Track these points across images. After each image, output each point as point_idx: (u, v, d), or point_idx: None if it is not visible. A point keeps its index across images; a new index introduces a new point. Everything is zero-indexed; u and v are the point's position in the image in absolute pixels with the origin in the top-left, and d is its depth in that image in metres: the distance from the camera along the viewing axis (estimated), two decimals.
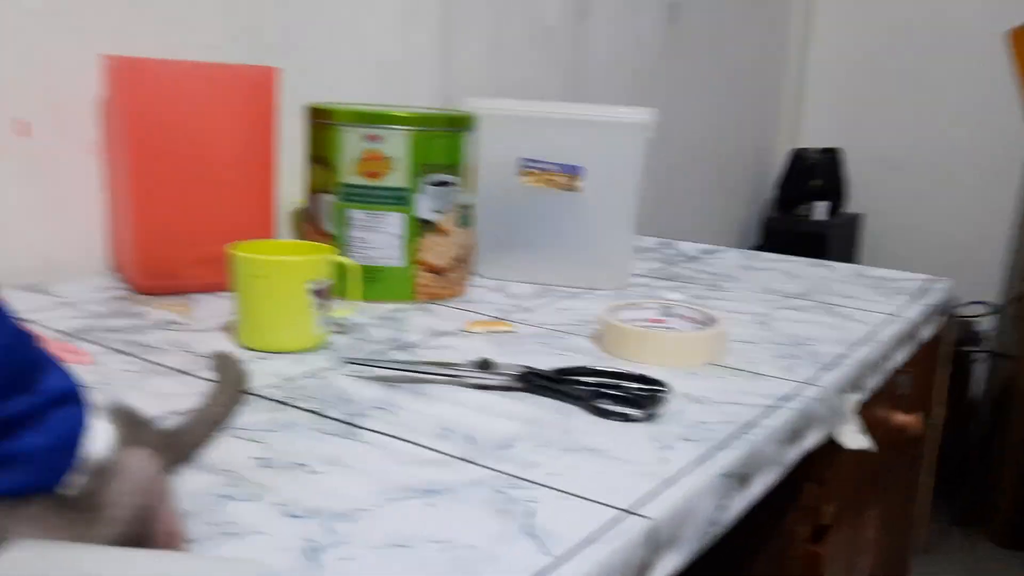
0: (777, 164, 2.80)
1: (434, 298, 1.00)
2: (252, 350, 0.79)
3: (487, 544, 0.48)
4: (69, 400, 0.38)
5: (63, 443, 0.37)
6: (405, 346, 0.83)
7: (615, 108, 1.08)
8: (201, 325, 0.86)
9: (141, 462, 0.41)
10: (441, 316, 0.95)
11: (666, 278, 1.20)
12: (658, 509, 0.53)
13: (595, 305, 1.02)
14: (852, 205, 2.76)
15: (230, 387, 0.54)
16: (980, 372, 2.64)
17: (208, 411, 0.50)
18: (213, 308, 0.92)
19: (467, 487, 0.55)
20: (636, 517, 0.52)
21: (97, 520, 0.38)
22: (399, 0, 1.39)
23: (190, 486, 0.50)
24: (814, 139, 2.82)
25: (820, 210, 2.60)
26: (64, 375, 0.39)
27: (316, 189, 0.99)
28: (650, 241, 1.45)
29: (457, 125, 0.99)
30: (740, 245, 2.65)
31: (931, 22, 2.66)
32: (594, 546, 0.48)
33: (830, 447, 0.82)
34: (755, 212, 2.79)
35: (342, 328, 0.86)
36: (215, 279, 0.98)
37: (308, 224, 1.01)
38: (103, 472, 0.38)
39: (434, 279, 1.00)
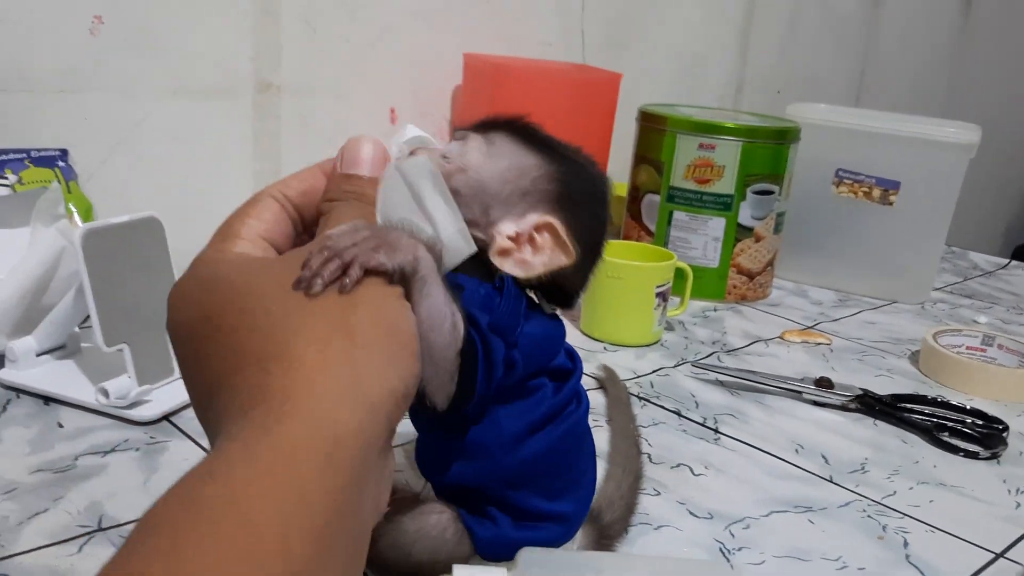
0: None
1: (742, 299, 1.06)
2: (596, 339, 0.88)
3: (875, 568, 0.54)
4: (563, 522, 0.47)
5: (524, 543, 0.45)
6: (730, 350, 0.90)
7: (941, 124, 1.08)
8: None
9: None
10: (753, 319, 1.00)
11: (966, 295, 1.19)
12: None
13: (901, 321, 1.04)
14: None
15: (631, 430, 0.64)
16: None
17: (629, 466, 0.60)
18: None
19: (838, 508, 0.61)
20: (1008, 562, 0.56)
21: None
22: None
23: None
24: None
25: None
26: (579, 507, 0.48)
27: (644, 188, 1.06)
28: None
29: (783, 137, 1.03)
30: (1006, 244, 2.52)
31: None
32: None
33: None
34: None
35: (670, 326, 0.94)
36: None
37: (630, 219, 1.09)
38: None
39: (744, 282, 1.05)
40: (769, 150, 1.02)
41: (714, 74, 1.52)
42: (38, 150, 0.80)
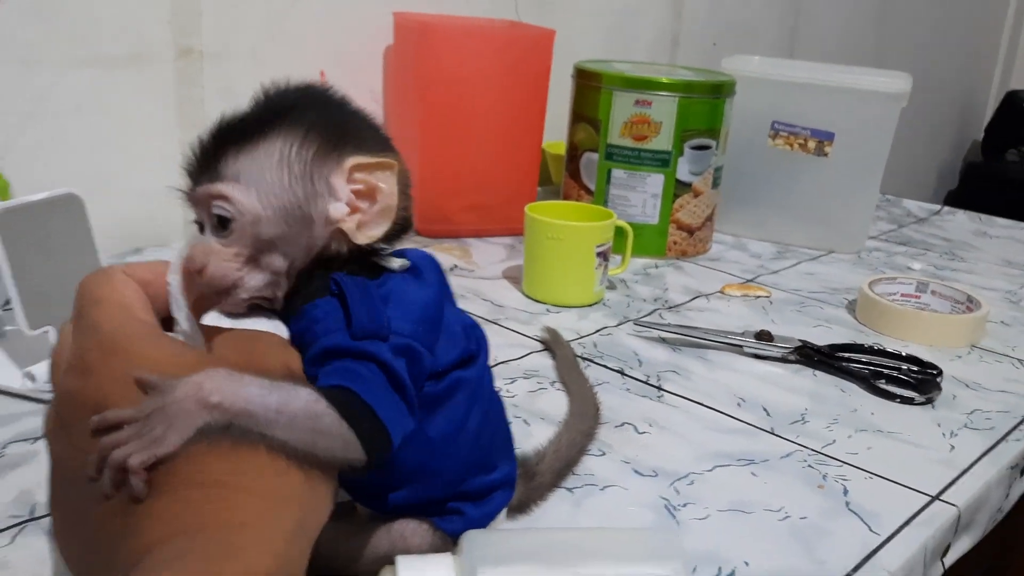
0: (987, 106, 2.67)
1: (683, 255, 1.07)
2: (538, 301, 0.88)
3: (819, 518, 0.55)
4: (507, 485, 0.47)
5: (490, 517, 0.46)
6: (672, 306, 0.90)
7: (872, 74, 1.09)
8: (485, 272, 0.96)
9: None
10: (694, 275, 1.01)
11: (900, 242, 1.22)
12: (960, 497, 0.58)
13: (838, 271, 1.06)
14: None
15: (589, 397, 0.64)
16: None
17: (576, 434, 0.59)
18: (487, 254, 1.02)
19: (779, 459, 0.62)
20: (944, 504, 0.57)
21: None
22: None
23: (542, 440, 0.59)
24: None
25: None
26: (512, 462, 0.48)
27: (582, 147, 1.05)
28: None
29: (719, 92, 1.03)
30: (938, 189, 2.57)
31: None
32: (911, 528, 0.55)
33: None
34: (958, 156, 2.69)
35: (611, 285, 0.94)
36: (483, 225, 1.08)
37: (569, 178, 1.08)
38: None
39: (685, 237, 1.06)
40: (705, 105, 1.02)
41: (648, 28, 1.51)
42: None
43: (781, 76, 1.10)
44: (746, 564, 0.50)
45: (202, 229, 0.40)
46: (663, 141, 1.01)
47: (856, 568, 0.50)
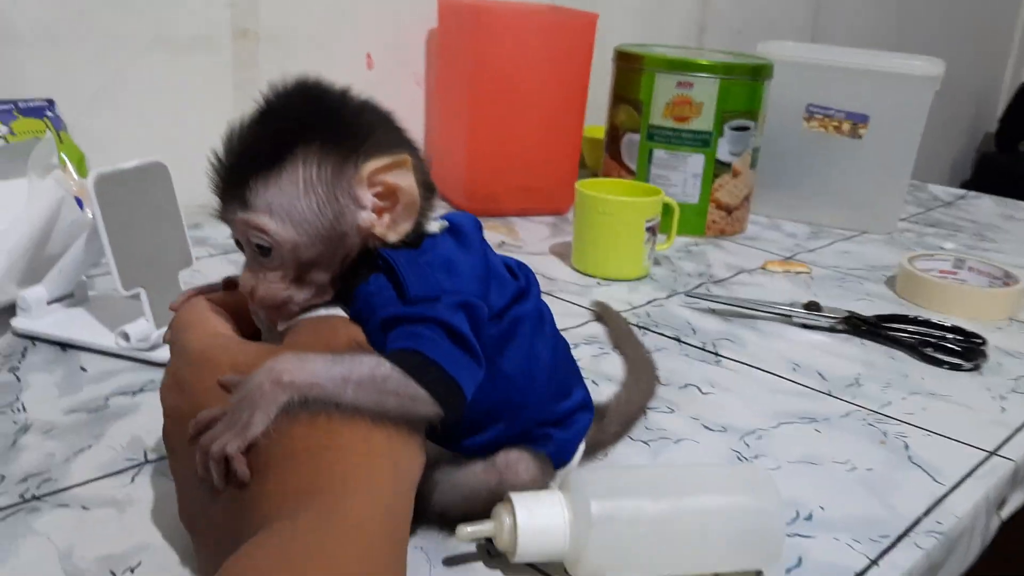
0: (1000, 99, 2.69)
1: (722, 234, 1.09)
2: (588, 275, 0.91)
3: (884, 470, 0.57)
4: (587, 408, 0.50)
5: (576, 438, 0.49)
6: (717, 281, 0.93)
7: (906, 59, 1.12)
8: (532, 248, 0.98)
9: None
10: (734, 252, 1.03)
11: (929, 224, 1.24)
12: (1016, 452, 0.61)
13: (873, 249, 1.09)
14: None
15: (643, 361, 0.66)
16: None
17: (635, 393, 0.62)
18: (531, 232, 1.04)
19: (839, 418, 0.64)
20: (1001, 459, 0.60)
21: None
22: None
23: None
24: None
25: None
26: (585, 388, 0.50)
27: (623, 128, 1.08)
28: None
29: (758, 74, 1.05)
30: (951, 180, 2.60)
31: None
32: (973, 480, 0.57)
33: None
34: (971, 147, 2.71)
35: (656, 261, 0.96)
36: (528, 205, 1.10)
37: (610, 158, 1.11)
38: None
39: (723, 216, 1.08)
40: (745, 87, 1.04)
41: (676, 15, 1.53)
42: (25, 100, 0.78)
43: (816, 60, 1.13)
44: (822, 509, 0.52)
45: (241, 247, 0.42)
46: (704, 122, 1.03)
47: (926, 513, 0.53)
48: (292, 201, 0.40)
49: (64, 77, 0.86)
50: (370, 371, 0.37)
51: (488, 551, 0.45)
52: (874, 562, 0.48)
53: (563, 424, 0.47)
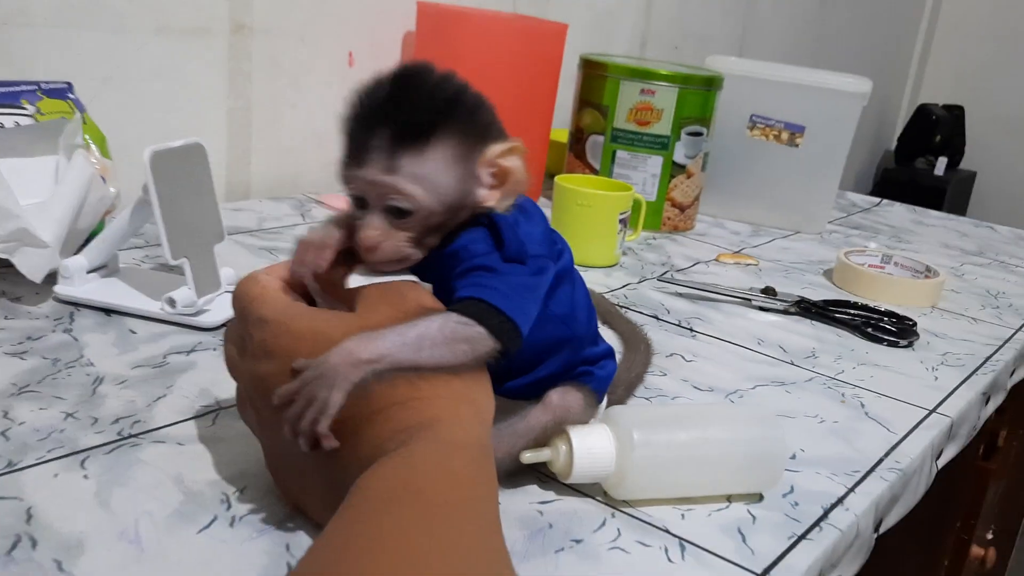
0: (899, 118, 2.90)
1: (675, 230, 1.19)
2: None
3: (847, 422, 0.67)
4: (612, 355, 0.57)
5: (609, 378, 0.57)
6: (679, 269, 1.03)
7: (839, 76, 1.24)
8: None
9: None
10: (688, 246, 1.14)
11: (853, 227, 1.37)
12: (950, 411, 0.72)
13: (808, 247, 1.21)
14: (965, 162, 2.87)
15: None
16: None
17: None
18: None
19: (805, 383, 0.74)
20: (939, 416, 0.71)
21: None
22: None
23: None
24: (934, 96, 2.92)
25: (940, 165, 2.72)
26: (606, 341, 0.57)
27: (589, 130, 1.17)
28: None
29: (711, 84, 1.16)
30: (856, 191, 2.79)
31: None
32: (920, 432, 0.68)
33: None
34: (873, 162, 2.92)
35: (624, 252, 1.06)
36: None
37: (574, 158, 1.20)
38: None
39: (677, 214, 1.19)
40: (700, 96, 1.15)
41: (623, 29, 1.64)
42: (47, 82, 0.82)
43: (760, 74, 1.24)
44: (802, 451, 0.62)
45: (361, 205, 0.47)
46: (663, 127, 1.13)
47: (887, 455, 0.63)
48: (436, 174, 0.45)
49: (75, 61, 0.89)
50: (439, 329, 0.43)
51: (541, 476, 0.53)
52: (851, 490, 0.57)
53: (598, 364, 0.55)
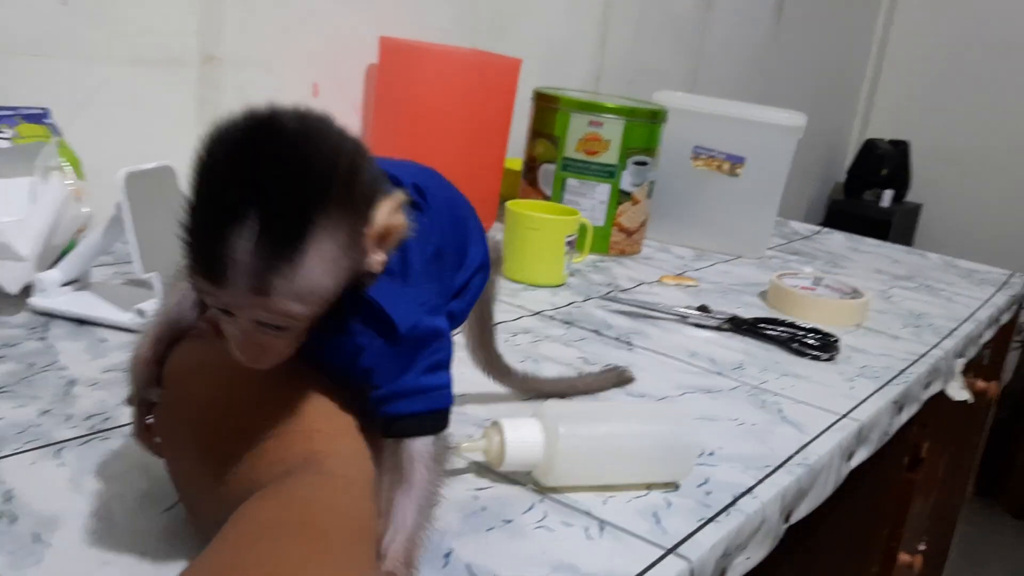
0: (848, 152, 3.02)
1: (622, 253, 1.26)
2: (516, 281, 1.05)
3: (765, 425, 0.74)
4: (483, 268, 0.55)
5: (472, 301, 0.55)
6: (623, 289, 1.09)
7: (776, 111, 1.32)
8: None
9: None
10: (633, 269, 1.20)
11: (791, 252, 1.45)
12: (862, 417, 0.79)
13: (746, 270, 1.28)
14: (911, 195, 2.99)
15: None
16: (1012, 359, 2.89)
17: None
18: None
19: (729, 391, 0.81)
20: (850, 420, 0.78)
21: None
22: None
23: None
24: (882, 131, 3.04)
25: (885, 198, 2.83)
26: (483, 246, 0.54)
27: (540, 159, 1.24)
28: None
29: (656, 118, 1.23)
30: (807, 220, 2.89)
31: (1000, 27, 2.85)
32: (830, 434, 0.74)
33: (934, 396, 1.07)
34: (824, 193, 3.02)
35: (572, 273, 1.12)
36: None
37: (528, 185, 1.26)
38: None
39: (624, 238, 1.25)
40: (645, 128, 1.22)
41: (579, 64, 1.72)
42: (27, 108, 0.87)
43: (702, 108, 1.32)
44: (720, 448, 0.68)
45: (214, 309, 0.40)
46: (611, 156, 1.20)
47: (797, 452, 0.69)
48: (318, 281, 0.38)
49: (51, 89, 0.94)
50: (428, 490, 0.45)
51: (477, 466, 0.59)
52: (760, 481, 0.64)
53: (460, 295, 0.53)
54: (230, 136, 0.38)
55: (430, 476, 0.45)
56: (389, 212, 0.40)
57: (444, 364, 0.47)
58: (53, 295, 0.76)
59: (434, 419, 0.46)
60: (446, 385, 0.46)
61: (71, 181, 0.86)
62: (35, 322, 0.74)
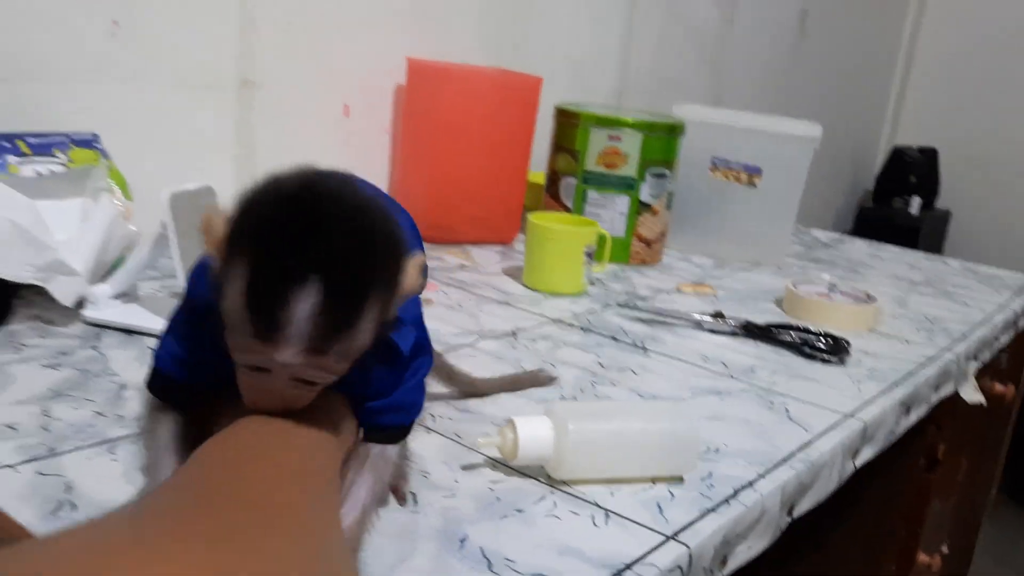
0: (877, 159, 3.03)
1: (642, 263, 1.30)
2: (537, 290, 1.10)
3: (771, 424, 0.78)
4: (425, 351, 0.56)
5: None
6: (641, 297, 1.13)
7: (792, 122, 1.36)
8: (488, 270, 1.17)
9: None
10: (653, 278, 1.24)
11: (811, 260, 1.48)
12: (867, 417, 0.82)
13: (765, 278, 1.31)
14: (940, 202, 2.99)
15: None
16: None
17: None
18: (485, 257, 1.23)
19: (739, 392, 0.84)
20: (855, 420, 0.81)
21: None
22: (593, 7, 1.67)
23: (571, 377, 0.81)
24: (910, 138, 3.04)
25: (914, 205, 2.83)
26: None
27: (562, 172, 1.28)
28: None
29: (673, 131, 1.27)
30: (836, 228, 2.90)
31: None
32: (833, 432, 0.78)
33: (950, 399, 1.10)
34: (852, 201, 3.03)
35: (592, 282, 1.16)
36: (480, 235, 1.29)
37: (550, 198, 1.31)
38: None
39: (644, 248, 1.29)
40: (663, 141, 1.26)
41: (604, 78, 1.76)
42: (77, 133, 0.94)
43: (720, 121, 1.36)
44: (726, 445, 0.72)
45: (258, 369, 0.42)
46: (630, 169, 1.25)
47: (800, 449, 0.73)
48: (365, 340, 0.42)
49: (100, 113, 1.01)
50: (389, 474, 0.52)
51: (493, 460, 0.63)
52: (762, 476, 0.67)
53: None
54: (282, 201, 0.40)
55: (390, 470, 0.52)
56: (415, 276, 0.44)
57: (423, 378, 0.53)
58: (104, 307, 0.82)
59: (409, 429, 0.54)
60: (422, 399, 0.54)
61: (119, 202, 0.92)
62: (88, 333, 0.80)
